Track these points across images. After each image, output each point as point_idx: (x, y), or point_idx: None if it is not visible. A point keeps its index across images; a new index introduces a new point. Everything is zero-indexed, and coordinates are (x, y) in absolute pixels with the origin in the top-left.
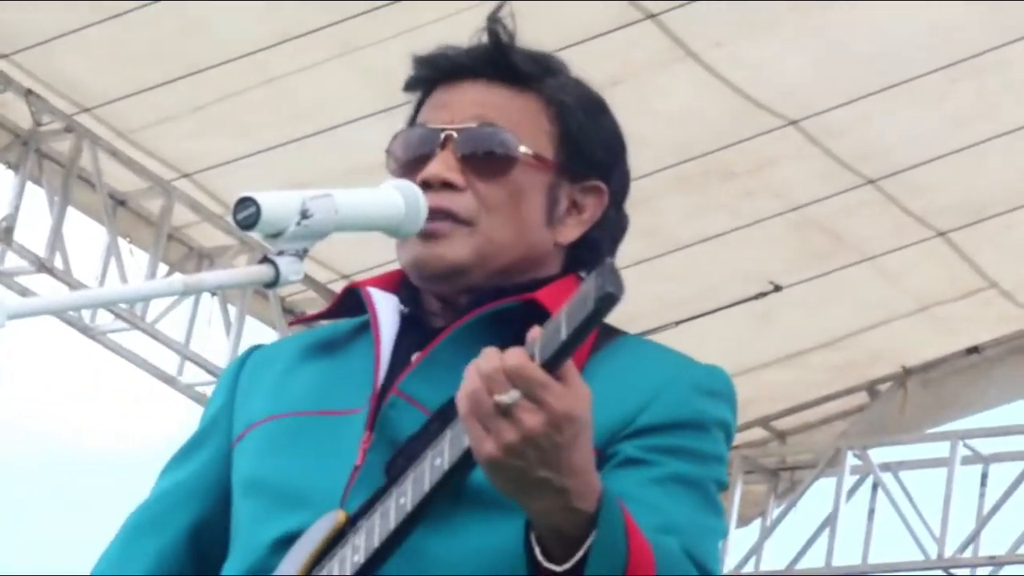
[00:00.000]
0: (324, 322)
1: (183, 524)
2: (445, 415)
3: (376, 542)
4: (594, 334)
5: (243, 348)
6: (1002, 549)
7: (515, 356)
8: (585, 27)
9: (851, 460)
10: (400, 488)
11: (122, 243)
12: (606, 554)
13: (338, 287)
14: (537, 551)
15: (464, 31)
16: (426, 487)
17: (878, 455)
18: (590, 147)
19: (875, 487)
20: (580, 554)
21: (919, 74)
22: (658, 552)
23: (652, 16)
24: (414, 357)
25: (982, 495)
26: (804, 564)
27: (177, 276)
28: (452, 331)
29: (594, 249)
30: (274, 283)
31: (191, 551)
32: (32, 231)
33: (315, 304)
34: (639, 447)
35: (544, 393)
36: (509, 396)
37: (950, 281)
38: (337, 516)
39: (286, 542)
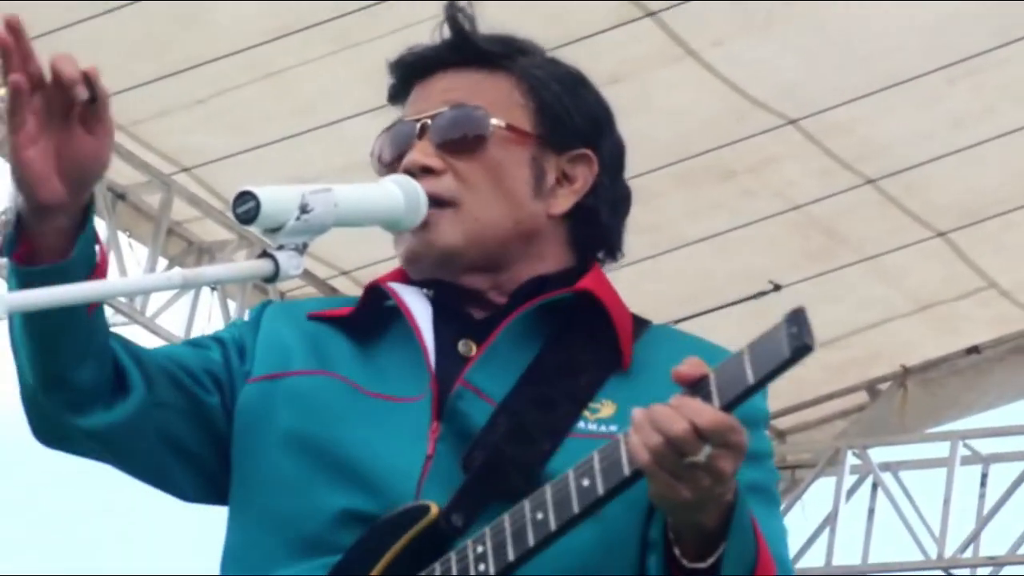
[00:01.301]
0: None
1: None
2: (510, 408)
3: (511, 556)
4: (632, 321)
5: None
6: (1002, 549)
7: (704, 414)
8: (585, 24)
9: (851, 460)
10: (537, 502)
11: (121, 237)
12: (742, 540)
13: (337, 283)
14: (677, 552)
15: None
16: (575, 509)
17: (878, 455)
18: (570, 118)
19: (875, 487)
20: (721, 549)
21: (918, 74)
22: (774, 555)
23: (652, 14)
24: (461, 346)
25: (982, 495)
26: (804, 563)
27: (177, 270)
28: (510, 322)
29: (592, 218)
30: (274, 278)
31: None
32: None
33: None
34: None
35: (736, 437)
36: (703, 454)
37: (949, 281)
38: (429, 509)
39: (354, 518)
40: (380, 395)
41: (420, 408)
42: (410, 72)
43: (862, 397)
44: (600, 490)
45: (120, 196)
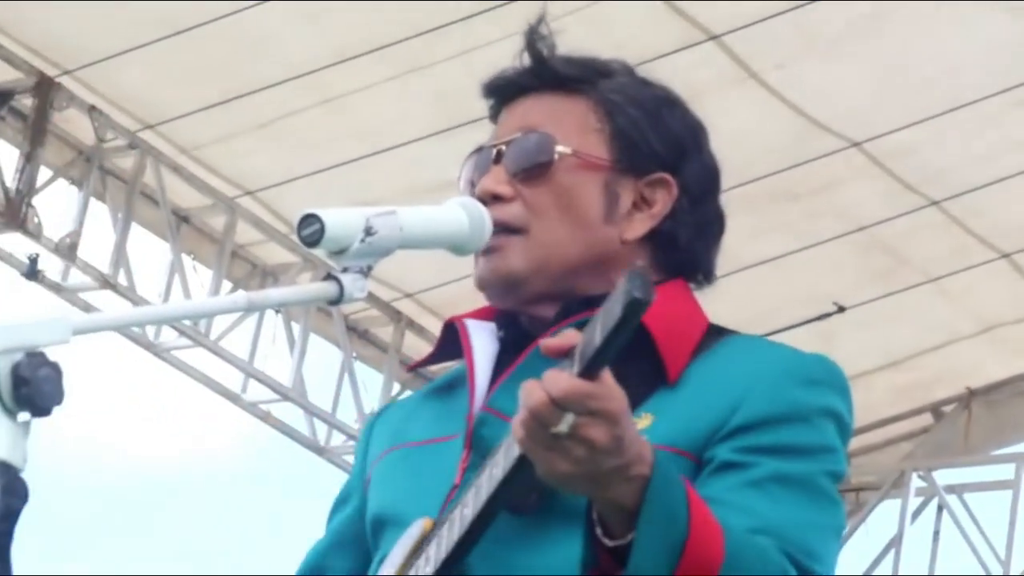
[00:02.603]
0: (448, 367)
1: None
2: None
3: (443, 552)
4: (700, 336)
5: (307, 365)
6: None
7: (559, 382)
8: (647, 48)
9: (916, 482)
10: (463, 499)
11: (186, 260)
12: (662, 513)
13: (402, 305)
14: (598, 531)
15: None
16: (483, 496)
17: (943, 477)
18: (646, 142)
19: (940, 509)
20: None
21: (982, 96)
22: (733, 539)
23: (714, 37)
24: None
25: None
26: None
27: (241, 293)
28: (538, 343)
29: (670, 243)
30: (338, 300)
31: None
32: (96, 247)
33: (378, 322)
34: (733, 449)
35: (598, 403)
36: (565, 423)
37: (1014, 302)
38: (423, 524)
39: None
40: (431, 440)
41: (457, 443)
42: (500, 96)
43: (927, 419)
44: (500, 474)
45: (184, 219)
